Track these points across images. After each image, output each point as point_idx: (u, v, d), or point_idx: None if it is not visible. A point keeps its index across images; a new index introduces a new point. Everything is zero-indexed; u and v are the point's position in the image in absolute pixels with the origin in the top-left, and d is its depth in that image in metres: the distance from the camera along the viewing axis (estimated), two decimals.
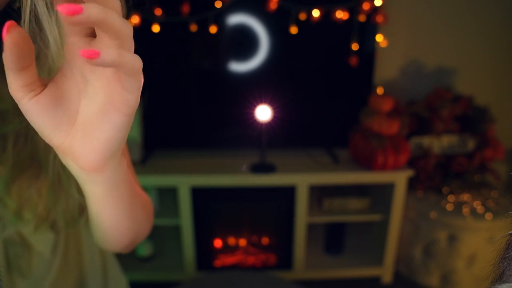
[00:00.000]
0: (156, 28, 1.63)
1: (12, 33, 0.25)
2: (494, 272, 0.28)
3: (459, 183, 1.93)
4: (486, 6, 1.93)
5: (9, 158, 0.43)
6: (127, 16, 0.41)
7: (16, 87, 0.28)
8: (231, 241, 1.91)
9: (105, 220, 0.42)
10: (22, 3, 0.32)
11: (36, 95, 0.29)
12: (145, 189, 1.80)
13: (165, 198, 1.87)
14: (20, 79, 0.27)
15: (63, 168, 0.45)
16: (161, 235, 2.04)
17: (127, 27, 0.27)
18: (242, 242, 1.92)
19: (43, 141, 0.41)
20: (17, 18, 0.33)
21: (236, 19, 1.70)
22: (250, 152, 1.85)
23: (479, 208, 1.78)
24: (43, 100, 0.29)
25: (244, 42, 1.75)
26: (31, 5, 0.32)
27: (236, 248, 1.92)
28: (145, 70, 0.30)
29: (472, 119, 1.91)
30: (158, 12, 1.62)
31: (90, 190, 0.38)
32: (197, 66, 1.79)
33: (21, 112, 0.30)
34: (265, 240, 1.93)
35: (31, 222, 0.48)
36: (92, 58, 0.25)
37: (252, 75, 1.78)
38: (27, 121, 0.31)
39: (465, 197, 1.86)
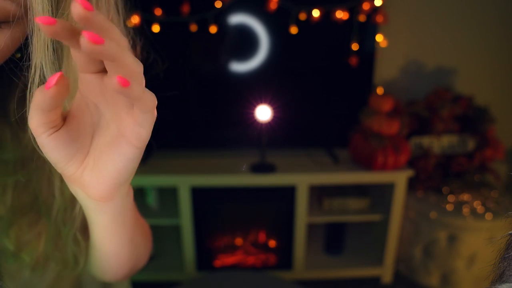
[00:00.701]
0: (156, 28, 1.63)
1: (59, 84, 0.26)
2: (494, 272, 0.28)
3: (459, 183, 1.93)
4: (486, 6, 1.93)
5: (8, 201, 0.43)
6: (127, 17, 0.41)
7: (39, 123, 0.28)
8: (231, 241, 1.91)
9: (107, 248, 0.43)
10: (30, 68, 0.31)
11: (56, 131, 0.30)
12: (145, 189, 1.80)
13: (165, 198, 1.87)
14: (46, 117, 0.28)
15: (64, 221, 0.45)
16: (161, 235, 2.04)
17: (138, 64, 0.27)
18: (242, 242, 1.92)
19: (44, 191, 0.42)
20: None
21: (236, 19, 1.70)
22: (250, 152, 1.85)
23: (479, 208, 1.78)
24: (61, 136, 0.30)
25: (244, 42, 1.75)
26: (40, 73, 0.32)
27: (236, 248, 1.92)
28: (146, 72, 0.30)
29: (472, 119, 1.91)
30: (158, 12, 1.62)
31: (95, 218, 0.38)
32: (197, 66, 1.79)
33: (23, 162, 0.31)
34: (265, 240, 1.93)
35: (28, 264, 0.47)
36: (124, 86, 0.25)
37: (252, 75, 1.78)
38: (28, 171, 0.32)
39: (465, 197, 1.86)
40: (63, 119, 0.31)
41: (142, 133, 0.30)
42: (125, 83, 0.25)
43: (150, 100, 0.28)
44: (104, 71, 0.29)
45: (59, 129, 0.30)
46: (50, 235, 0.46)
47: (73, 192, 0.35)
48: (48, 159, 0.31)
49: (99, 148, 0.32)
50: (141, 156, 0.33)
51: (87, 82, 0.29)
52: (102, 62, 0.28)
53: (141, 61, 0.43)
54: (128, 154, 0.31)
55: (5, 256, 0.45)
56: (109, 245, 0.42)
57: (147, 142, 0.32)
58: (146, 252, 0.55)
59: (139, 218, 0.51)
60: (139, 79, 0.28)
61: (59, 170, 0.32)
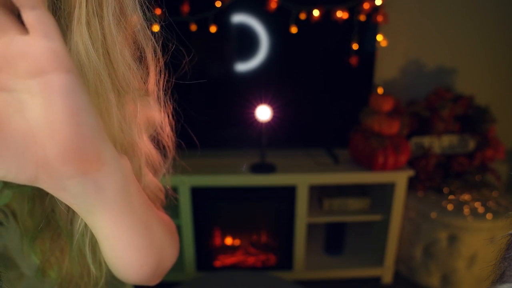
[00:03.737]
0: (155, 28, 1.63)
1: None
2: (495, 273, 0.28)
3: (459, 183, 1.92)
4: (486, 6, 1.93)
5: (25, 213, 0.40)
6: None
7: None
8: (231, 241, 1.91)
9: (120, 244, 0.37)
10: None
11: None
12: None
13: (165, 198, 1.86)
14: None
15: (82, 233, 0.40)
16: None
17: None
18: (242, 242, 1.92)
19: (59, 202, 0.37)
20: None
21: (236, 18, 1.70)
22: (250, 152, 1.85)
23: (480, 208, 1.78)
24: None
25: (244, 42, 1.75)
26: None
27: (236, 248, 1.92)
28: None
29: (472, 119, 1.91)
30: (157, 11, 1.61)
31: (99, 212, 0.32)
32: (197, 66, 1.79)
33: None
34: (265, 240, 1.93)
35: (55, 281, 0.43)
36: None
37: (252, 75, 1.78)
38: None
39: (466, 197, 1.86)
40: None
41: (53, 46, 0.25)
42: None
43: None
44: None
45: None
46: (73, 250, 0.42)
47: (66, 196, 0.30)
48: None
49: (38, 117, 0.26)
50: (80, 83, 0.27)
51: None
52: None
53: (167, 57, 0.42)
54: (61, 87, 0.25)
55: (32, 272, 0.42)
56: (122, 238, 0.36)
57: (69, 59, 0.26)
58: (172, 248, 0.47)
59: (153, 206, 0.43)
60: None
61: (25, 180, 0.27)
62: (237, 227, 1.92)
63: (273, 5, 1.64)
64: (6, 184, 0.38)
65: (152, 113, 0.44)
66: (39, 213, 0.40)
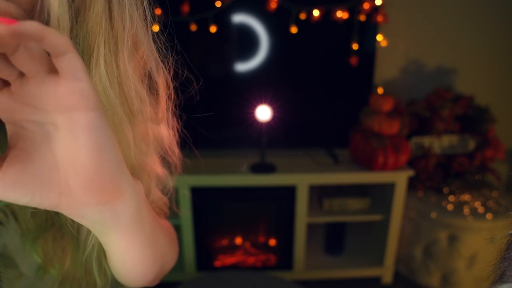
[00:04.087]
0: (155, 28, 1.63)
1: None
2: (495, 273, 0.28)
3: (459, 183, 1.92)
4: (486, 6, 1.93)
5: (28, 213, 0.41)
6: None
7: None
8: (231, 241, 1.91)
9: (130, 258, 0.38)
10: None
11: None
12: None
13: None
14: None
15: (85, 236, 0.42)
16: None
17: (63, 38, 0.24)
18: (242, 242, 1.92)
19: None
20: None
21: (236, 18, 1.70)
22: (250, 152, 1.85)
23: (480, 208, 1.78)
24: (10, 172, 0.26)
25: (244, 42, 1.75)
26: None
27: (236, 248, 1.92)
28: None
29: (472, 119, 1.91)
30: (157, 11, 1.61)
31: (113, 231, 0.34)
32: (197, 66, 1.79)
33: None
34: (265, 240, 1.93)
35: (56, 279, 0.45)
36: (10, 23, 0.21)
37: (252, 75, 1.78)
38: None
39: (466, 197, 1.86)
40: (2, 157, 0.27)
41: (81, 86, 0.26)
42: (9, 21, 0.21)
43: (55, 35, 0.23)
44: (3, 86, 0.26)
45: (1, 167, 0.26)
46: (75, 251, 0.43)
47: (85, 223, 0.31)
48: (18, 203, 0.27)
49: (63, 150, 0.28)
50: (104, 120, 0.28)
51: (4, 103, 0.26)
52: None
53: (174, 78, 0.44)
54: (86, 124, 0.27)
55: (32, 271, 0.43)
56: (132, 254, 0.38)
57: (96, 99, 0.27)
58: (173, 253, 0.51)
59: (157, 217, 0.46)
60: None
61: (45, 207, 0.28)
62: (237, 227, 1.92)
63: (273, 5, 1.64)
64: None
65: (160, 131, 0.46)
66: (42, 215, 0.41)
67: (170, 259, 0.50)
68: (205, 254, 1.85)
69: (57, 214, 0.41)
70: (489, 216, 1.72)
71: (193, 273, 1.83)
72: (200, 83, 0.51)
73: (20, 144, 0.28)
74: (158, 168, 0.48)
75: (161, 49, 0.41)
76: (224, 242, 1.90)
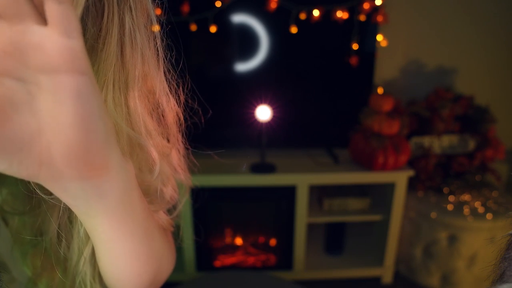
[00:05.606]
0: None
1: None
2: (495, 273, 0.28)
3: (459, 183, 1.92)
4: (486, 6, 1.93)
5: (13, 228, 0.40)
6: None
7: None
8: (231, 241, 1.91)
9: (118, 248, 0.35)
10: None
11: None
12: None
13: None
14: None
15: (73, 251, 0.40)
16: None
17: None
18: (242, 242, 1.92)
19: (49, 222, 0.37)
20: None
21: (236, 18, 1.70)
22: (250, 152, 1.85)
23: (480, 208, 1.78)
24: None
25: (244, 42, 1.75)
26: None
27: (236, 248, 1.92)
28: None
29: (472, 119, 1.91)
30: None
31: (99, 216, 0.31)
32: (197, 66, 1.79)
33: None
34: (265, 240, 1.93)
35: None
36: None
37: (252, 75, 1.78)
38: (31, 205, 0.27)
39: (466, 197, 1.86)
40: None
41: (72, 45, 0.23)
42: None
43: None
44: None
45: None
46: (62, 267, 0.42)
47: (65, 196, 0.29)
48: None
49: (46, 115, 0.25)
50: (93, 86, 0.26)
51: None
52: None
53: (184, 108, 0.44)
54: (73, 89, 0.24)
55: (23, 279, 0.43)
56: (122, 245, 0.35)
57: (86, 61, 0.25)
58: (170, 257, 0.46)
59: (152, 213, 0.42)
60: None
61: (26, 176, 0.26)
62: (237, 227, 1.92)
63: (273, 5, 1.64)
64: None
65: (170, 158, 0.46)
66: (30, 233, 0.40)
67: (167, 264, 0.45)
68: (205, 254, 1.85)
69: (41, 235, 0.40)
70: (489, 216, 1.72)
71: (193, 273, 1.83)
72: (209, 114, 0.52)
73: None
74: (167, 191, 0.47)
75: (172, 82, 0.41)
76: (224, 242, 1.90)
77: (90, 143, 0.26)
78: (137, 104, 0.35)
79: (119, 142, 0.35)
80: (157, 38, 0.37)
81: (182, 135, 0.48)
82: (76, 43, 0.23)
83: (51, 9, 0.22)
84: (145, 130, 0.37)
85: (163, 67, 0.38)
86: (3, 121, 0.24)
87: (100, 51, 0.31)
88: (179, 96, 0.43)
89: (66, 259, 0.40)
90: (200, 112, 0.51)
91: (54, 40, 0.23)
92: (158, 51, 0.37)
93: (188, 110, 0.47)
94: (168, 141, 0.43)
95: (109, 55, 0.32)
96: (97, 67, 0.32)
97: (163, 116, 0.41)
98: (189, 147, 0.51)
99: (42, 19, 0.23)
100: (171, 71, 0.40)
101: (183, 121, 0.45)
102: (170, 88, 0.41)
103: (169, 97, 0.41)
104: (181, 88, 0.42)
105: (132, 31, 0.33)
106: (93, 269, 0.41)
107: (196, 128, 0.51)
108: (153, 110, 0.39)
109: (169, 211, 0.50)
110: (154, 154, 0.40)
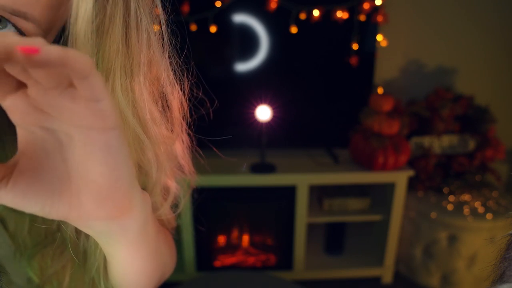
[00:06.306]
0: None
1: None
2: (495, 273, 0.28)
3: (459, 183, 1.92)
4: (485, 7, 1.93)
5: (26, 229, 0.40)
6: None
7: None
8: (231, 241, 1.91)
9: (133, 269, 0.38)
10: None
11: (9, 179, 0.25)
12: None
13: None
14: None
15: (89, 253, 0.41)
16: None
17: (85, 60, 0.23)
18: (242, 242, 1.92)
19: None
20: None
21: (236, 18, 1.70)
22: (250, 152, 1.85)
23: (480, 208, 1.78)
24: (20, 180, 0.25)
25: (244, 42, 1.75)
26: None
27: (236, 248, 1.92)
28: None
29: (472, 119, 1.91)
30: (157, 11, 1.61)
31: (118, 243, 0.33)
32: (197, 66, 1.79)
33: None
34: (265, 240, 1.93)
35: None
36: (33, 53, 0.20)
37: (252, 75, 1.78)
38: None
39: (466, 197, 1.86)
40: (11, 165, 0.26)
41: (102, 107, 0.24)
42: (29, 51, 0.20)
43: (77, 60, 0.22)
44: (19, 87, 0.25)
45: (11, 176, 0.25)
46: (76, 268, 0.42)
47: (92, 233, 0.31)
48: (28, 211, 0.26)
49: (76, 163, 0.27)
50: (121, 138, 0.27)
51: (12, 107, 0.25)
52: (13, 78, 0.24)
53: (188, 100, 0.44)
54: (104, 143, 0.26)
55: (23, 282, 0.42)
56: (135, 265, 0.37)
57: (115, 117, 0.26)
58: (171, 260, 0.50)
59: (160, 227, 0.46)
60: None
61: (55, 217, 0.27)
62: (237, 227, 1.92)
63: (273, 5, 1.64)
64: None
65: (174, 148, 0.46)
66: (41, 232, 0.41)
67: (169, 267, 0.49)
68: (205, 254, 1.85)
69: (58, 229, 0.40)
70: (489, 216, 1.72)
71: (193, 273, 1.83)
72: (215, 104, 0.51)
73: (30, 151, 0.26)
74: (172, 184, 0.48)
75: (176, 71, 0.41)
76: (224, 242, 1.90)
77: (117, 188, 0.28)
78: (143, 91, 0.36)
79: (126, 136, 0.35)
80: (162, 23, 0.38)
81: (187, 125, 0.47)
82: (105, 103, 0.25)
83: (79, 84, 0.23)
84: (150, 117, 0.37)
85: (168, 54, 0.39)
86: (37, 167, 0.26)
87: (105, 34, 0.31)
88: (183, 85, 0.43)
89: (85, 251, 0.41)
90: (208, 103, 0.51)
91: (85, 104, 0.24)
92: (162, 36, 0.38)
93: (193, 101, 0.47)
94: (172, 132, 0.43)
95: (114, 39, 0.32)
96: (103, 52, 0.32)
97: (167, 106, 0.41)
98: (193, 139, 0.51)
99: (73, 83, 0.24)
100: (176, 57, 0.40)
101: (187, 111, 0.45)
102: (175, 77, 0.41)
103: (174, 85, 0.41)
104: (185, 75, 0.43)
105: (137, 14, 0.33)
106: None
107: (203, 121, 0.51)
108: (158, 98, 0.40)
109: (173, 207, 0.51)
110: (159, 149, 0.40)
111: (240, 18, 1.70)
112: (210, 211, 1.81)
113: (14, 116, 0.25)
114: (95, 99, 0.24)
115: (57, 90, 0.24)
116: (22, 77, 0.23)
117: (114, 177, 0.27)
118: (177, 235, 0.57)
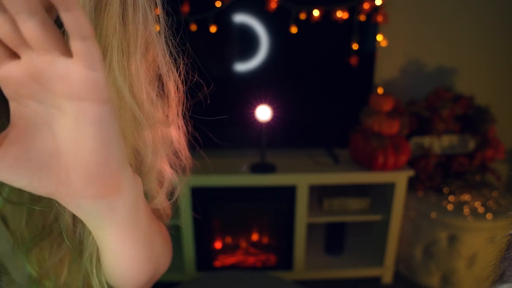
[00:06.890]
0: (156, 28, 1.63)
1: None
2: (495, 273, 0.28)
3: (459, 183, 1.92)
4: (485, 7, 1.93)
5: (23, 222, 0.40)
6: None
7: None
8: (231, 241, 1.91)
9: (124, 257, 0.37)
10: None
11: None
12: None
13: None
14: None
15: (85, 245, 0.41)
16: None
17: (89, 21, 0.23)
18: (242, 242, 1.92)
19: (63, 213, 0.37)
20: None
21: (236, 18, 1.70)
22: (250, 152, 1.85)
23: (480, 208, 1.78)
24: (9, 152, 0.25)
25: (244, 42, 1.75)
26: None
27: (236, 248, 1.92)
28: None
29: (472, 119, 1.91)
30: (157, 11, 1.61)
31: (108, 227, 0.33)
32: (196, 66, 1.79)
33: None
34: (265, 240, 1.93)
35: None
36: None
37: (252, 75, 1.78)
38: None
39: (466, 197, 1.86)
40: (2, 136, 0.25)
41: (96, 76, 0.24)
42: None
43: (83, 14, 0.22)
44: (13, 57, 0.25)
45: (1, 146, 0.25)
46: (74, 260, 0.42)
47: (79, 213, 0.30)
48: (14, 185, 0.26)
49: (66, 138, 0.27)
50: (114, 114, 0.27)
51: (6, 78, 0.25)
52: (6, 47, 0.24)
53: (185, 83, 0.43)
54: (96, 117, 0.26)
55: (24, 280, 0.42)
56: (126, 252, 0.37)
57: (108, 92, 0.26)
58: (167, 254, 0.49)
59: (154, 217, 0.45)
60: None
61: (41, 193, 0.27)
62: (237, 227, 1.92)
63: (273, 5, 1.64)
64: None
65: (170, 133, 0.46)
66: (39, 224, 0.40)
67: (164, 261, 0.49)
68: (205, 254, 1.85)
69: (56, 221, 0.40)
70: (489, 216, 1.72)
71: (193, 273, 1.83)
72: (211, 87, 0.52)
73: (21, 124, 0.26)
74: (167, 170, 0.47)
75: (172, 52, 0.41)
76: (224, 242, 1.90)
77: (107, 166, 0.28)
78: (139, 70, 0.36)
79: (123, 115, 0.36)
80: (158, 4, 0.38)
81: (183, 111, 0.47)
82: (99, 75, 0.25)
83: (76, 45, 0.24)
84: (146, 96, 0.37)
85: (164, 35, 0.39)
86: (27, 140, 0.26)
87: (102, 11, 0.32)
88: (179, 68, 0.43)
89: (81, 242, 0.41)
90: (205, 88, 0.51)
91: (79, 71, 0.24)
92: (159, 17, 0.38)
93: (189, 84, 0.47)
94: (168, 116, 0.43)
95: (112, 17, 0.32)
96: (100, 29, 0.32)
97: (163, 89, 0.41)
98: (189, 122, 0.51)
99: (68, 51, 0.24)
100: (172, 40, 0.40)
101: (183, 94, 0.45)
102: (171, 59, 0.40)
103: (170, 67, 0.41)
104: (181, 58, 0.43)
105: None
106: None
107: (200, 106, 0.51)
108: (154, 81, 0.40)
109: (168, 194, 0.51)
110: (155, 131, 0.41)
111: (240, 18, 1.70)
112: (210, 211, 1.81)
113: (8, 88, 0.25)
114: (91, 66, 0.24)
115: (50, 56, 0.24)
116: (12, 41, 0.23)
117: (104, 154, 0.27)
118: (174, 230, 0.57)
